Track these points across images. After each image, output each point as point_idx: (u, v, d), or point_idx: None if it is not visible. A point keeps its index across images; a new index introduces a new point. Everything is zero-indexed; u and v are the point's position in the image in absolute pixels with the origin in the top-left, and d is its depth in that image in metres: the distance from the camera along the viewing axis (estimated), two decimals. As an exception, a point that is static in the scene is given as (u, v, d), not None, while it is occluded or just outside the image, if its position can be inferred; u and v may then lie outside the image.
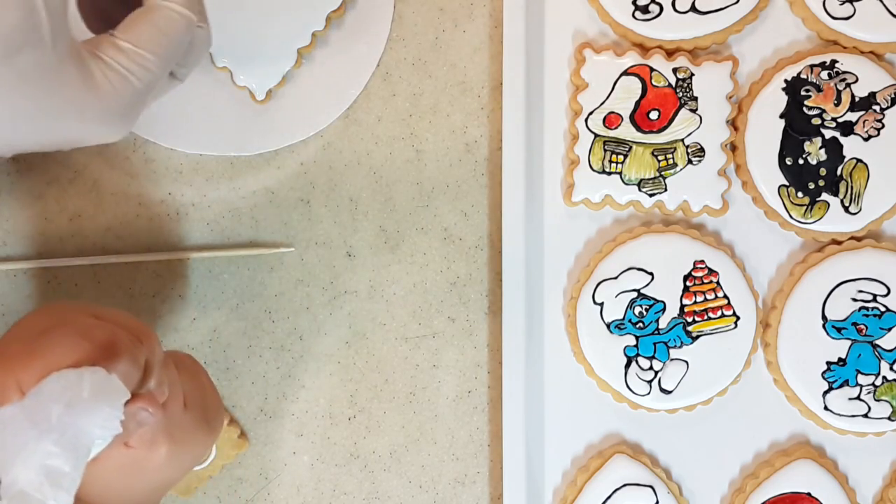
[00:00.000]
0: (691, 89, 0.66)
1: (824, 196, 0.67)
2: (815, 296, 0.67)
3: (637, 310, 0.66)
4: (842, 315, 0.67)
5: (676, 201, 0.67)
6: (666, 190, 0.67)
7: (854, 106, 0.67)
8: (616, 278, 0.66)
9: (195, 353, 0.67)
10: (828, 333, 0.67)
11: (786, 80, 0.67)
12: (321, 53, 0.67)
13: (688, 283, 0.66)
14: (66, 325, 0.46)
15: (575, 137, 0.67)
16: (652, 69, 0.66)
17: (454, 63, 0.68)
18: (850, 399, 0.67)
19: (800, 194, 0.67)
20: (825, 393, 0.67)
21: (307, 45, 0.65)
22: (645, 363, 0.66)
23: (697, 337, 0.67)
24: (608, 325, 0.66)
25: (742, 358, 0.67)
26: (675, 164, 0.66)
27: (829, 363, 0.67)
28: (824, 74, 0.66)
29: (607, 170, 0.66)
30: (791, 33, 0.69)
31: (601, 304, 0.66)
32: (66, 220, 0.66)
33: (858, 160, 0.67)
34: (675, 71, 0.66)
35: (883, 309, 0.67)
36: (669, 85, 0.66)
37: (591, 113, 0.66)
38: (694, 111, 0.66)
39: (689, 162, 0.66)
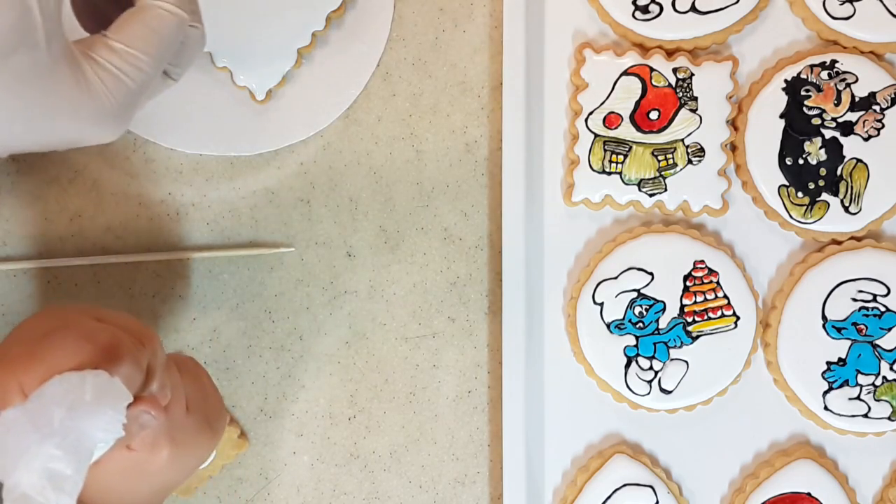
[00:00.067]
0: (691, 89, 0.66)
1: (824, 196, 0.67)
2: (815, 296, 0.67)
3: (637, 310, 0.66)
4: (842, 315, 0.67)
5: (676, 201, 0.67)
6: (666, 190, 0.67)
7: (854, 106, 0.67)
8: (616, 278, 0.67)
9: (195, 353, 0.67)
10: (828, 333, 0.67)
11: (786, 80, 0.67)
12: (321, 53, 0.67)
13: (688, 283, 0.67)
14: (68, 327, 0.46)
15: (575, 137, 0.67)
16: (652, 69, 0.66)
17: (454, 63, 0.68)
18: (850, 399, 0.67)
19: (800, 194, 0.67)
20: (825, 393, 0.67)
21: (307, 45, 0.65)
22: (645, 363, 0.67)
23: (697, 337, 0.67)
24: (608, 325, 0.66)
25: (742, 358, 0.67)
26: (675, 164, 0.66)
27: (829, 363, 0.67)
28: (824, 74, 0.66)
29: (607, 170, 0.66)
30: (791, 33, 0.69)
31: (601, 304, 0.66)
32: (66, 220, 0.66)
33: (858, 160, 0.67)
34: (675, 71, 0.66)
35: (883, 309, 0.67)
36: (669, 85, 0.66)
37: (591, 113, 0.66)
38: (694, 111, 0.66)
39: (689, 162, 0.66)
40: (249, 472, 0.68)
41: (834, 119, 0.67)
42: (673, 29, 0.66)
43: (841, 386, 0.67)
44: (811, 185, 0.67)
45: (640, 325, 0.66)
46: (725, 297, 0.67)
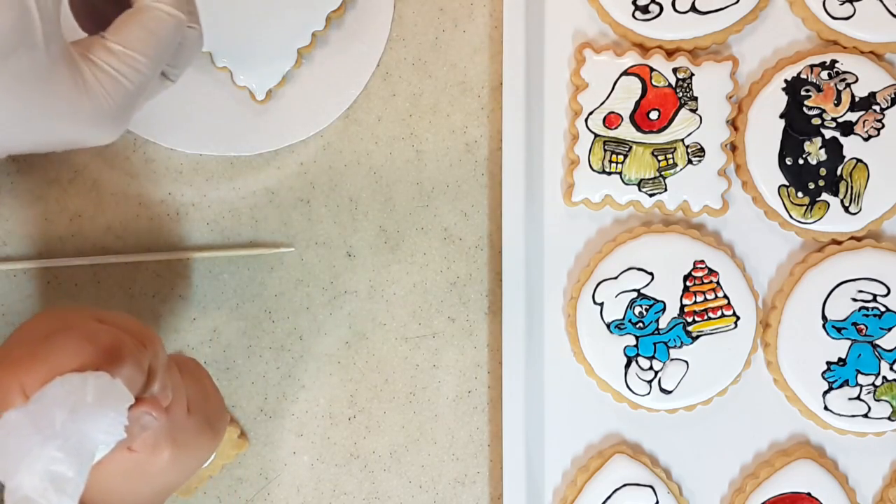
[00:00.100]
0: (691, 89, 0.66)
1: (824, 196, 0.67)
2: (815, 296, 0.67)
3: (637, 310, 0.66)
4: (842, 315, 0.67)
5: (676, 201, 0.67)
6: (666, 190, 0.67)
7: (854, 106, 0.67)
8: (616, 278, 0.67)
9: (195, 353, 0.67)
10: (828, 333, 0.67)
11: (786, 80, 0.67)
12: (321, 53, 0.66)
13: (688, 283, 0.67)
14: (69, 329, 0.46)
15: (575, 137, 0.66)
16: (652, 69, 0.66)
17: (454, 63, 0.68)
18: (850, 399, 0.67)
19: (800, 194, 0.67)
20: (825, 393, 0.67)
21: (307, 45, 0.65)
22: (645, 363, 0.67)
23: (697, 337, 0.67)
24: (608, 325, 0.67)
25: (742, 358, 0.67)
26: (675, 164, 0.66)
27: (829, 363, 0.67)
28: (824, 74, 0.66)
29: (607, 170, 0.66)
30: (791, 33, 0.69)
31: (601, 304, 0.67)
32: (66, 220, 0.66)
33: (858, 160, 0.67)
34: (675, 71, 0.66)
35: (883, 309, 0.67)
36: (669, 85, 0.66)
37: (591, 113, 0.66)
38: (694, 111, 0.66)
39: (689, 162, 0.66)
40: (249, 472, 0.68)
41: (834, 119, 0.67)
42: (673, 29, 0.66)
43: (841, 386, 0.67)
44: (811, 185, 0.67)
45: (640, 325, 0.66)
46: (725, 297, 0.67)
